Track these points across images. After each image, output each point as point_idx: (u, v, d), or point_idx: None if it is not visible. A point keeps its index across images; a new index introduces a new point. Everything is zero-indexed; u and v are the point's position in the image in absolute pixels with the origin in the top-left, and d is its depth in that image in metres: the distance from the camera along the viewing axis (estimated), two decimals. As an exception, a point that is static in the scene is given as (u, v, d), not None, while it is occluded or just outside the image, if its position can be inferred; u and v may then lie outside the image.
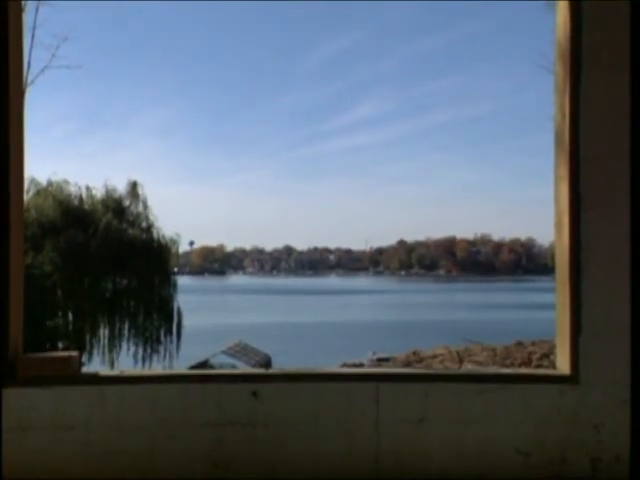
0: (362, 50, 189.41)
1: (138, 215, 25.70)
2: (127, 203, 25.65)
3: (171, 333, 25.07)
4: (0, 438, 4.10)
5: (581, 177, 4.38)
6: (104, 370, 14.28)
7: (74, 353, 4.73)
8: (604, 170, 4.39)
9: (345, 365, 17.67)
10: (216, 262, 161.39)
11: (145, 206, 25.90)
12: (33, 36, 20.14)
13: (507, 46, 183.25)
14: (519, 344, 13.93)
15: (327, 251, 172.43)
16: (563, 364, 4.52)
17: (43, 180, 24.41)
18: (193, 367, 23.14)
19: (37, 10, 20.32)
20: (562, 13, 4.56)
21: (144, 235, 25.34)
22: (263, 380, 4.51)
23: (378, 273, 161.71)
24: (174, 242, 25.96)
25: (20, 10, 4.63)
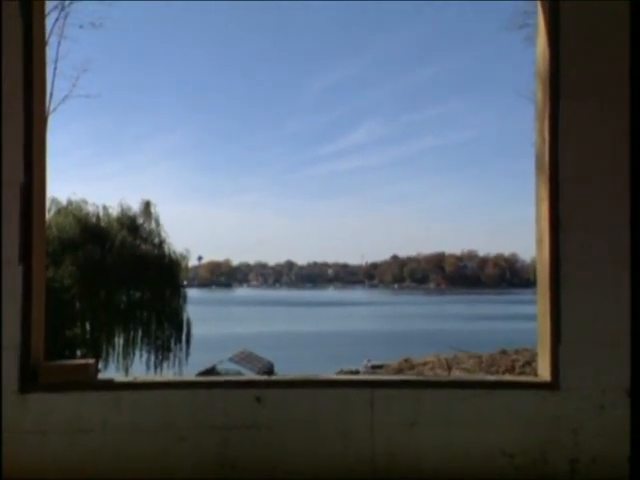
0: (357, 80, 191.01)
1: (151, 232, 25.64)
2: (140, 221, 25.59)
3: (181, 341, 24.95)
4: (0, 439, 4.09)
5: (560, 198, 4.39)
6: (119, 376, 14.20)
7: (91, 361, 4.72)
8: (581, 191, 4.39)
9: (342, 371, 17.60)
10: (222, 276, 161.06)
11: (157, 224, 25.85)
12: (55, 68, 20.18)
13: (491, 77, 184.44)
14: (503, 352, 13.87)
15: (325, 266, 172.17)
16: (544, 371, 4.51)
17: (63, 200, 24.31)
18: (201, 373, 23.03)
19: (59, 44, 20.38)
20: (541, 45, 4.60)
21: (156, 251, 25.27)
22: (266, 386, 4.50)
23: (373, 286, 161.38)
24: (184, 257, 25.88)
25: (43, 44, 4.67)
